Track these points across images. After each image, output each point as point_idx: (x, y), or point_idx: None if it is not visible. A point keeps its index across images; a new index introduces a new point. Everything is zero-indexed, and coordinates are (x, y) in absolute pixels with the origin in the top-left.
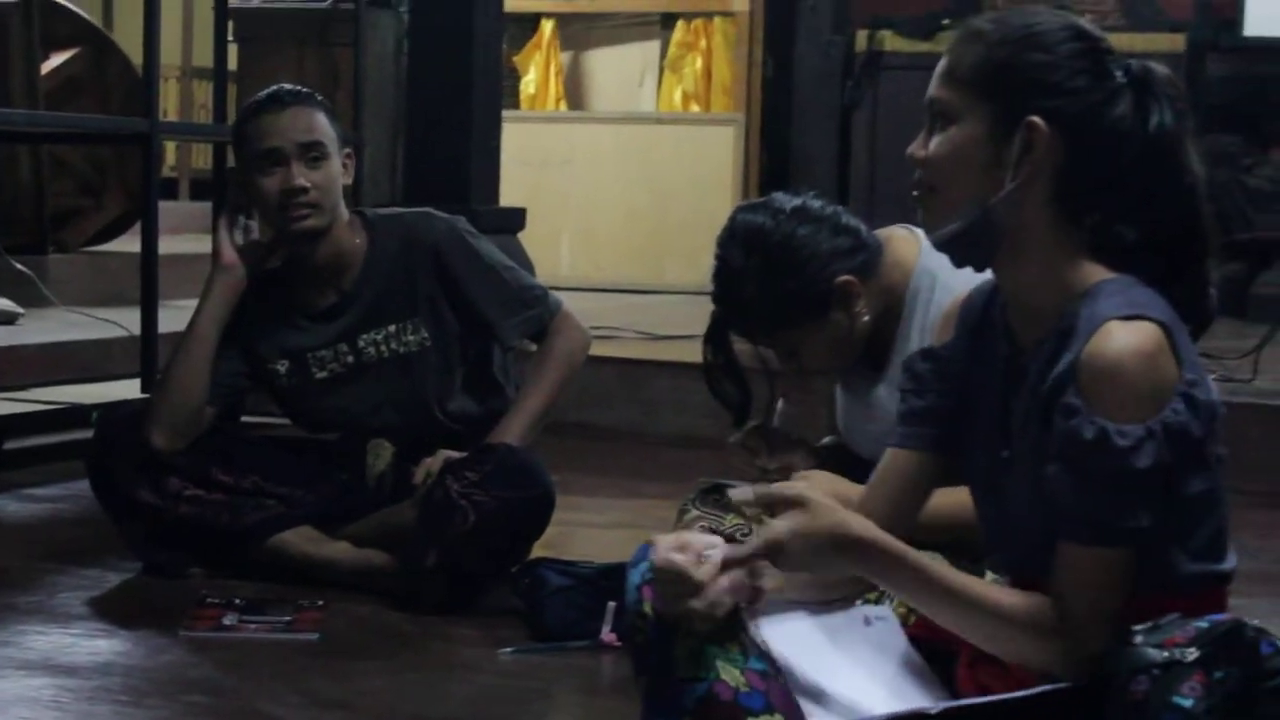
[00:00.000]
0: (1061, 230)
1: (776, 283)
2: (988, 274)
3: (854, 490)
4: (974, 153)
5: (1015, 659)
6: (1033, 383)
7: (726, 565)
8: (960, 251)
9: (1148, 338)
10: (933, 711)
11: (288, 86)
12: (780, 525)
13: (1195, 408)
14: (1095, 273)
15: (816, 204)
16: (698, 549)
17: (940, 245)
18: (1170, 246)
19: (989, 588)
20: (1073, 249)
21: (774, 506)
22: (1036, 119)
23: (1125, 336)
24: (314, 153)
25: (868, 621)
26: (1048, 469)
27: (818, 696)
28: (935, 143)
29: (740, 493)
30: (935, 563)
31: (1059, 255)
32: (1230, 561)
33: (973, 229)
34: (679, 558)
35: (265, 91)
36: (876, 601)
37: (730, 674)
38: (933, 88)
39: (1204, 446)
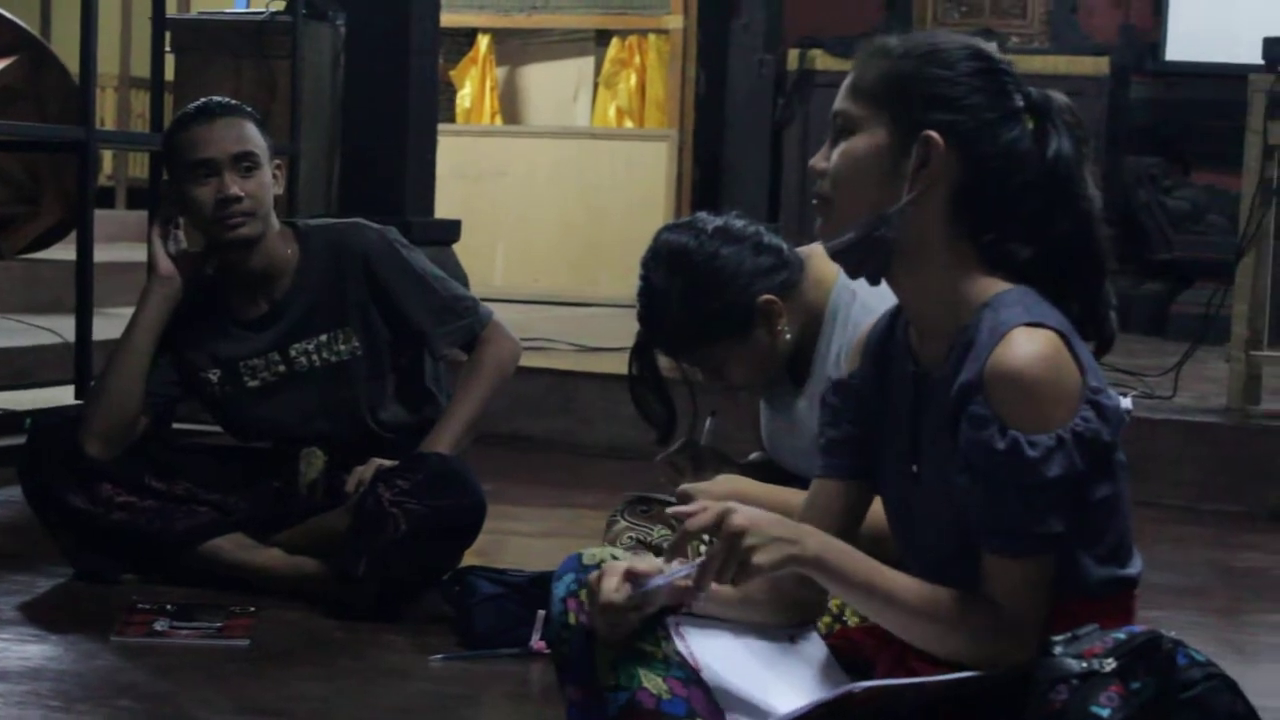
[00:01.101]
0: (958, 244)
1: (699, 302)
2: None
3: (758, 489)
4: (872, 163)
5: (956, 657)
6: (938, 396)
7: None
8: (854, 262)
9: (1049, 344)
10: (857, 690)
11: (218, 98)
12: (738, 519)
13: (1103, 414)
14: (993, 285)
15: (739, 223)
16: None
17: (834, 255)
18: (1066, 268)
19: (910, 581)
20: (970, 263)
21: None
22: (933, 133)
23: (1028, 345)
24: (246, 162)
25: (792, 639)
26: (959, 480)
27: (743, 705)
28: (836, 153)
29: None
30: (871, 561)
31: (956, 268)
32: (1136, 566)
33: (867, 239)
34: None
35: (195, 104)
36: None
37: (652, 682)
38: (837, 100)
39: (1112, 453)
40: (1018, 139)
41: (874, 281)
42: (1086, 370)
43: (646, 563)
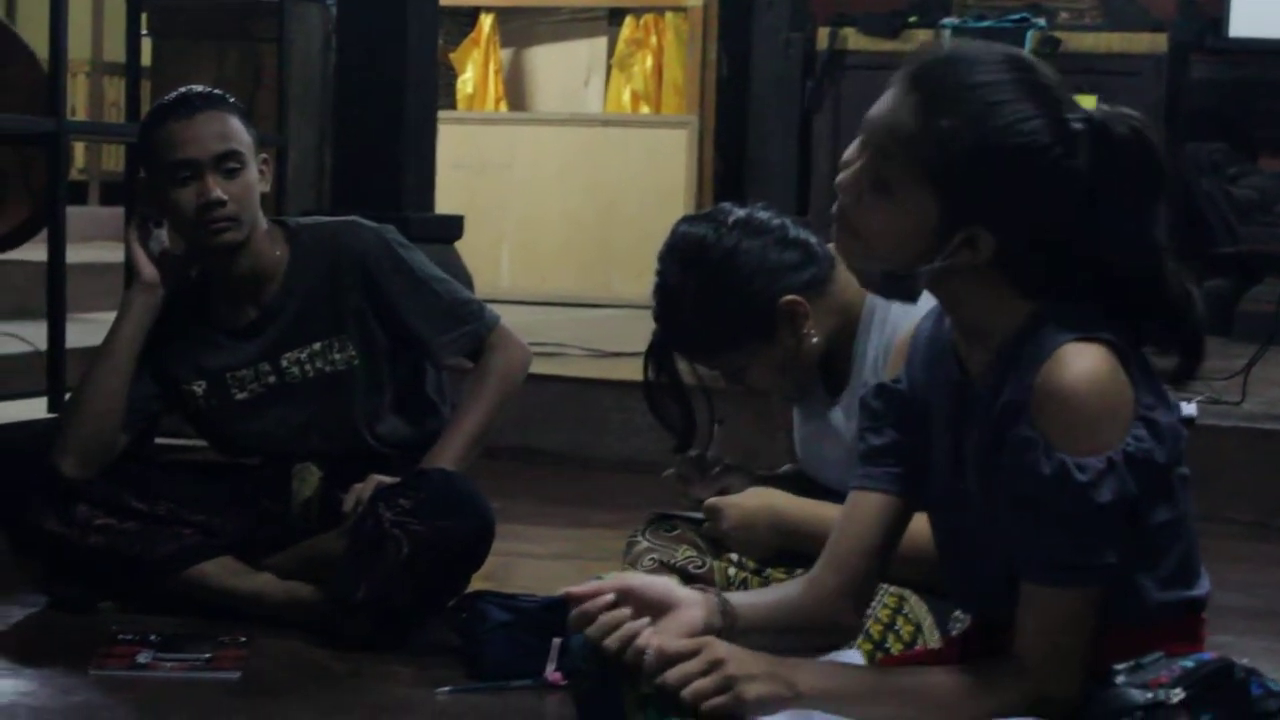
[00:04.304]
0: (1004, 276)
1: (717, 301)
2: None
3: (790, 502)
4: (909, 235)
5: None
6: (982, 410)
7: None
8: (881, 292)
9: (1101, 362)
10: None
11: (198, 88)
12: (722, 651)
13: (1158, 433)
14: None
15: (764, 215)
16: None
17: (856, 275)
18: (1131, 304)
19: (927, 672)
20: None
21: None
22: (981, 230)
23: (1079, 362)
24: (230, 162)
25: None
26: (1004, 506)
27: None
28: (868, 210)
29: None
30: (874, 669)
31: (999, 285)
32: (1203, 586)
33: (894, 277)
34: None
35: (173, 94)
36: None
37: None
38: (878, 133)
39: (1168, 473)
40: (1070, 186)
41: (910, 302)
42: (1140, 385)
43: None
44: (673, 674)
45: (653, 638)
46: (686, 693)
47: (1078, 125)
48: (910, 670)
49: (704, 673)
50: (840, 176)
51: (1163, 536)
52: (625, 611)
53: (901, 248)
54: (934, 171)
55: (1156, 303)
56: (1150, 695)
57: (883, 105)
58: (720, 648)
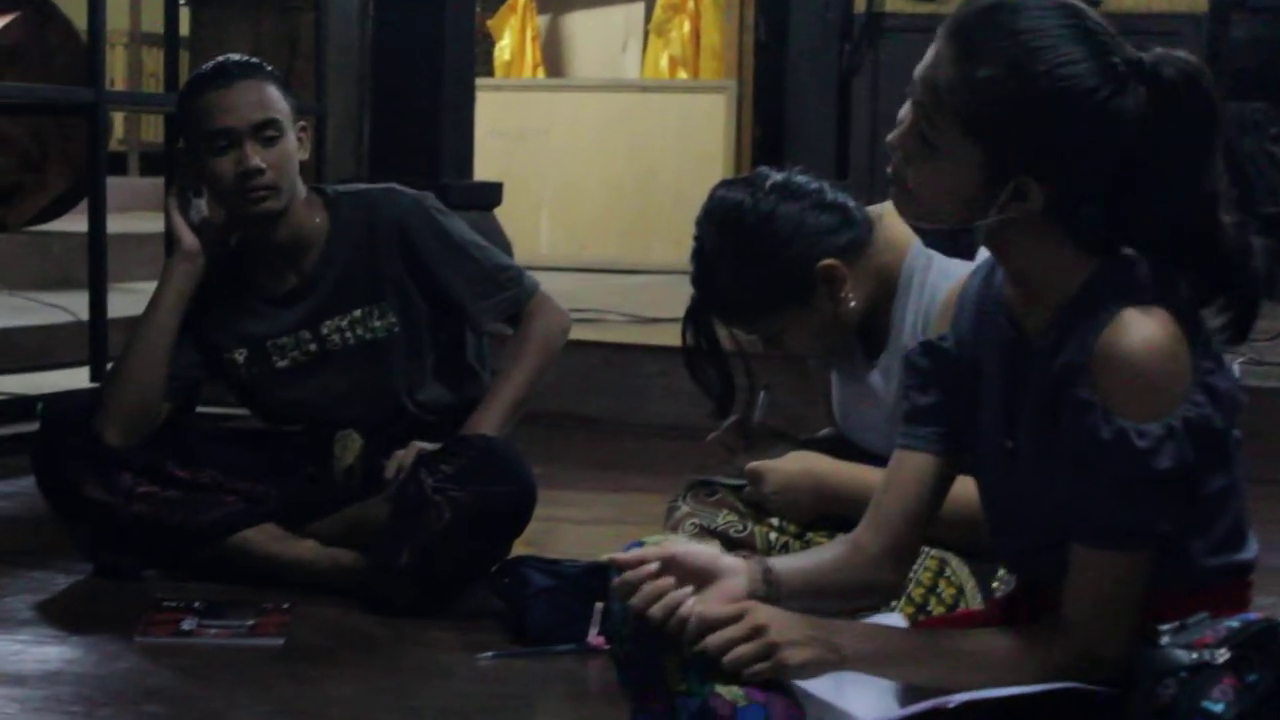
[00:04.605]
0: (1059, 230)
1: (753, 265)
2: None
3: (831, 466)
4: (958, 190)
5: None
6: (1038, 370)
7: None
8: (940, 248)
9: (1162, 327)
10: (950, 705)
11: (235, 57)
12: (762, 617)
13: (1216, 398)
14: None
15: (801, 179)
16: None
17: (924, 240)
18: (1186, 255)
19: (974, 635)
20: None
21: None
22: (1029, 181)
23: (1141, 327)
24: (268, 131)
25: None
26: (1059, 468)
27: (823, 714)
28: (918, 168)
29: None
30: (902, 628)
31: (1058, 241)
32: (1251, 550)
33: (952, 234)
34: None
35: (211, 64)
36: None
37: (727, 687)
38: (919, 83)
39: (1226, 439)
40: (1123, 129)
41: (969, 259)
42: (1198, 350)
43: (699, 549)
44: (714, 640)
45: (695, 605)
46: (728, 659)
47: (1126, 68)
48: (956, 632)
49: (746, 639)
50: (890, 136)
51: (1217, 502)
52: (669, 580)
53: (953, 203)
54: (975, 123)
55: (1212, 255)
56: (1195, 655)
57: (925, 61)
58: (761, 613)
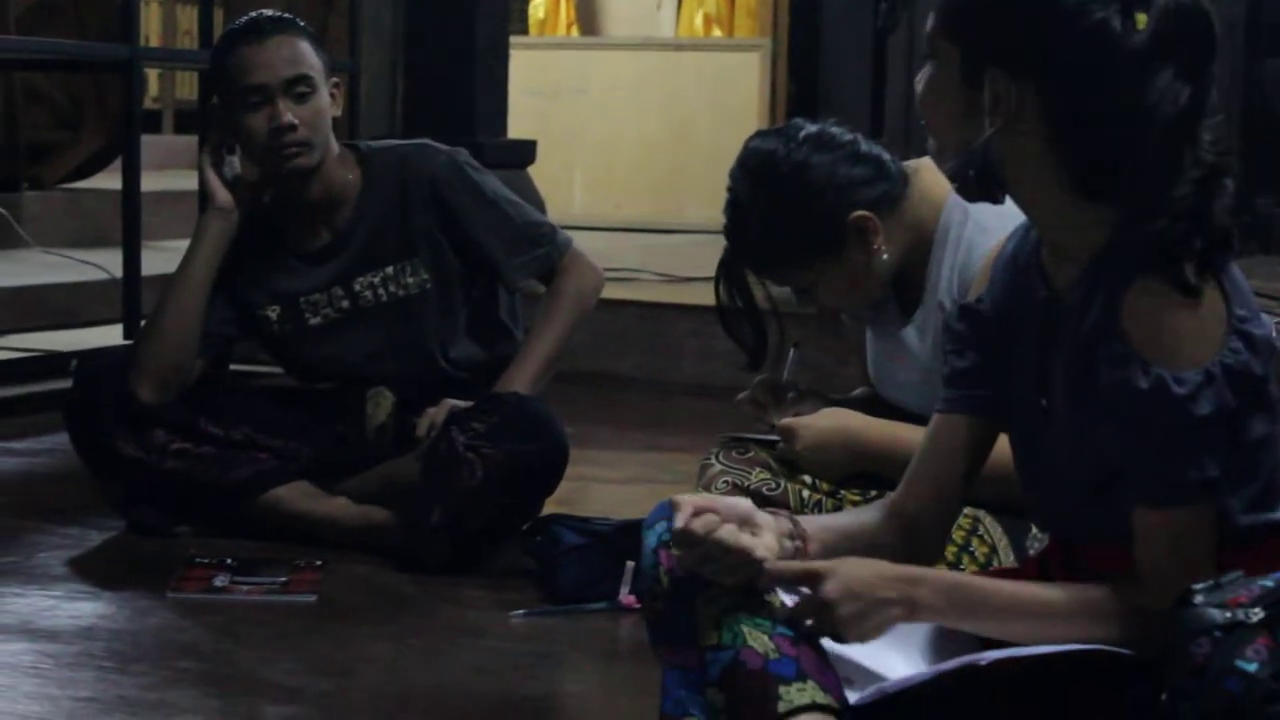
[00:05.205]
0: (1063, 168)
1: (786, 215)
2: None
3: (865, 423)
4: (950, 98)
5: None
6: (1070, 325)
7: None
8: (964, 188)
9: (1191, 274)
10: (983, 663)
11: (268, 13)
12: (830, 587)
13: (1253, 345)
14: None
15: (835, 130)
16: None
17: (949, 179)
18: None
19: (1048, 588)
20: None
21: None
22: (996, 70)
23: (1167, 277)
24: (301, 87)
25: None
26: (1100, 428)
27: (855, 670)
28: (925, 97)
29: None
30: (982, 577)
31: (1065, 182)
32: None
33: (966, 168)
34: (739, 537)
35: (243, 20)
36: None
37: (758, 640)
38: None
39: (1265, 386)
40: (1112, 48)
41: (996, 202)
42: (1233, 297)
43: (737, 500)
44: (780, 615)
45: (766, 558)
46: (785, 617)
47: None
48: (1037, 586)
49: (811, 613)
50: (916, 78)
51: (1256, 455)
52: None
53: (950, 118)
54: (953, 20)
55: (1179, 186)
56: (1229, 615)
57: None
58: (829, 585)
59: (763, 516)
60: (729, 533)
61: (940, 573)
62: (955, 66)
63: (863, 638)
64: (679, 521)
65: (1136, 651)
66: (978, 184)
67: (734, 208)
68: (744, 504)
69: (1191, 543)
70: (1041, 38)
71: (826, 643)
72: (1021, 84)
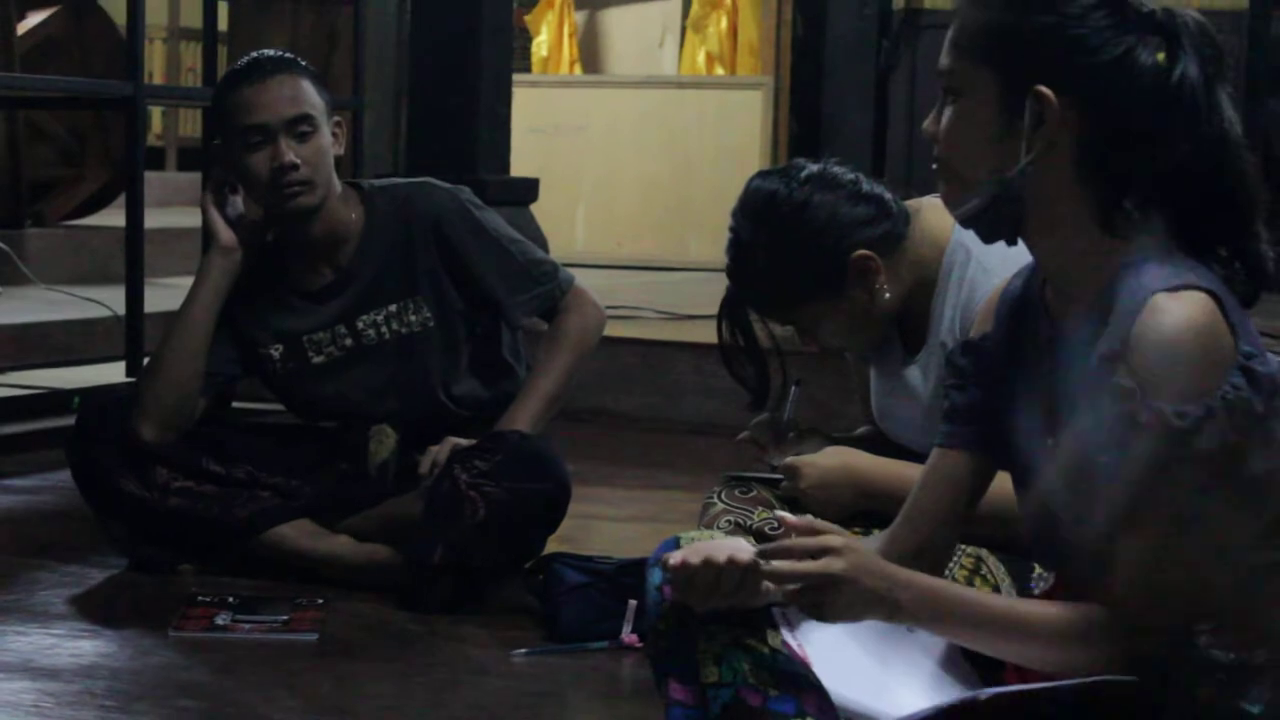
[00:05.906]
0: (1090, 199)
1: (787, 255)
2: (1025, 251)
3: (869, 461)
4: (983, 127)
5: (1070, 671)
6: (1077, 363)
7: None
8: (984, 228)
9: (1198, 308)
10: (982, 698)
11: (269, 53)
12: (835, 564)
13: (1256, 382)
14: (1134, 241)
15: (837, 170)
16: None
17: (963, 222)
18: (1210, 209)
19: (1030, 605)
20: (1108, 219)
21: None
22: (1044, 89)
23: (1176, 310)
24: (302, 126)
25: (911, 629)
26: (1101, 458)
27: (855, 707)
28: (945, 116)
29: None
30: (970, 590)
31: (1091, 224)
32: None
33: (992, 205)
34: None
35: (244, 60)
36: None
37: (759, 678)
38: (941, 57)
39: (1267, 422)
40: (1143, 73)
41: (1010, 243)
42: (1239, 334)
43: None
44: (789, 593)
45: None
46: (784, 573)
47: (1138, 16)
48: (1015, 600)
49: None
50: (925, 123)
51: (1257, 494)
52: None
53: (982, 149)
54: (987, 44)
55: (1232, 195)
56: (1233, 656)
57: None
58: (838, 564)
59: (747, 545)
60: (715, 550)
61: (927, 579)
62: (991, 92)
63: (840, 621)
64: (673, 560)
65: (1112, 673)
66: (999, 220)
67: (736, 247)
68: (730, 542)
69: (1170, 570)
70: (1081, 47)
71: (825, 678)
72: (1067, 101)
